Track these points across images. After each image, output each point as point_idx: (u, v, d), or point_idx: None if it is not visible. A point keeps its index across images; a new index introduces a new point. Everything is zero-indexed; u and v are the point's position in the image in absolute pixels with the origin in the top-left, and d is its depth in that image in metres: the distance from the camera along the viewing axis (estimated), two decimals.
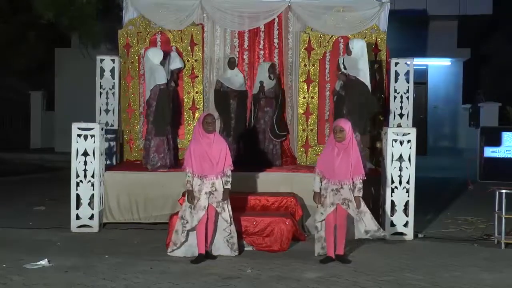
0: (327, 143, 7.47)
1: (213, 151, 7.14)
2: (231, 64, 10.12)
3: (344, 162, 7.08)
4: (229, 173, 7.24)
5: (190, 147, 7.21)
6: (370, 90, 9.05)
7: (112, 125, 9.99)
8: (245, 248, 7.73)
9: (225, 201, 7.22)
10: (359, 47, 9.05)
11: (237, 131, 9.94)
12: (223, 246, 7.39)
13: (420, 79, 19.31)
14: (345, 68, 9.21)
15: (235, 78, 10.11)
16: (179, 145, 10.09)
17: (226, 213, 7.26)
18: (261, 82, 9.88)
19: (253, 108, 10.05)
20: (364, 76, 8.95)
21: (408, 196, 8.47)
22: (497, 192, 8.18)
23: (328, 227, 7.17)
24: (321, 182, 7.22)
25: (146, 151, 9.32)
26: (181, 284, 6.24)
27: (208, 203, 7.18)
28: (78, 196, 8.70)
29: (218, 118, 9.86)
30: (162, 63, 9.33)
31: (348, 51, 9.15)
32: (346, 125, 7.15)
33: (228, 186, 7.22)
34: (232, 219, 7.31)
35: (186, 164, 7.17)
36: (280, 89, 10.13)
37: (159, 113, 9.10)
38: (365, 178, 7.24)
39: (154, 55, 9.25)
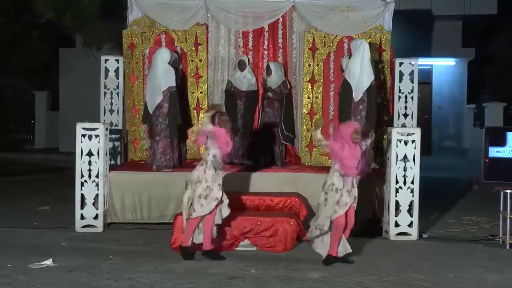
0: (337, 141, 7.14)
1: None
2: (240, 66, 10.11)
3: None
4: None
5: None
6: (353, 88, 8.88)
7: (116, 125, 10.01)
8: (249, 248, 7.73)
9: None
10: (355, 47, 9.02)
11: (243, 131, 9.94)
12: None
13: (425, 79, 19.29)
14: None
15: (244, 79, 10.09)
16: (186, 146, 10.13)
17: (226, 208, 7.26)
18: (265, 81, 9.93)
19: (260, 108, 10.08)
20: (350, 74, 8.90)
21: (413, 196, 8.45)
22: (501, 192, 8.17)
23: (340, 226, 7.00)
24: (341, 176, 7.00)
25: (153, 152, 9.32)
26: (185, 284, 6.24)
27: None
28: (82, 196, 8.72)
29: None
30: (170, 64, 9.32)
31: (350, 52, 9.19)
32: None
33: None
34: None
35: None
36: (287, 90, 10.07)
37: (172, 115, 9.12)
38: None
39: (166, 55, 9.24)
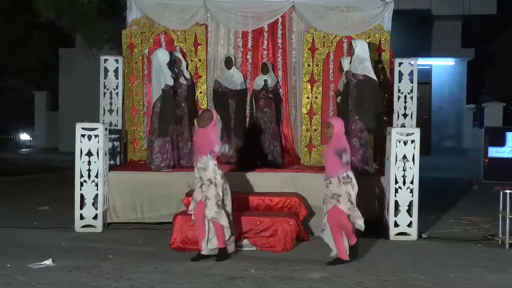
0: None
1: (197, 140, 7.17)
2: (228, 64, 10.13)
3: (329, 158, 7.09)
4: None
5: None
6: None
7: (116, 125, 10.00)
8: (249, 248, 7.73)
9: (209, 198, 7.06)
10: (363, 47, 9.05)
11: (236, 130, 9.95)
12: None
13: (424, 79, 19.29)
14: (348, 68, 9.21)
15: (232, 78, 10.12)
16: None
17: (209, 210, 7.08)
18: (265, 81, 9.92)
19: (253, 107, 10.06)
20: (371, 72, 8.96)
21: (412, 196, 8.46)
22: (501, 192, 8.17)
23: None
24: None
25: (150, 152, 9.32)
26: (185, 284, 6.24)
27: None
28: (82, 196, 8.72)
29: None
30: (168, 64, 9.30)
31: (351, 51, 9.17)
32: (336, 122, 7.20)
33: None
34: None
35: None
36: (279, 91, 10.12)
37: (162, 114, 9.11)
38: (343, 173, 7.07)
39: (163, 56, 9.25)
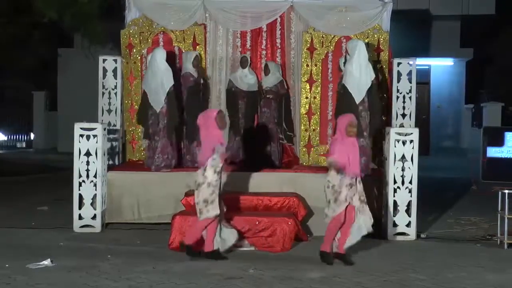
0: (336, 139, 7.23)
1: None
2: (242, 63, 10.08)
3: (356, 156, 7.04)
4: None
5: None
6: (352, 91, 8.91)
7: (114, 125, 9.99)
8: (247, 248, 7.73)
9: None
10: (351, 48, 9.04)
11: (244, 131, 9.92)
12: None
13: (423, 79, 19.31)
14: None
15: (244, 79, 10.02)
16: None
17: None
18: (260, 82, 9.92)
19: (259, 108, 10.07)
20: (347, 77, 8.91)
21: (411, 196, 8.46)
22: (500, 192, 8.17)
23: (337, 223, 7.02)
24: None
25: (151, 152, 9.31)
26: (184, 284, 6.24)
27: None
28: (80, 196, 8.71)
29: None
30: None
31: (347, 53, 9.22)
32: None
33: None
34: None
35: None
36: (284, 89, 10.06)
37: (170, 115, 9.12)
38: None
39: (163, 54, 9.25)
